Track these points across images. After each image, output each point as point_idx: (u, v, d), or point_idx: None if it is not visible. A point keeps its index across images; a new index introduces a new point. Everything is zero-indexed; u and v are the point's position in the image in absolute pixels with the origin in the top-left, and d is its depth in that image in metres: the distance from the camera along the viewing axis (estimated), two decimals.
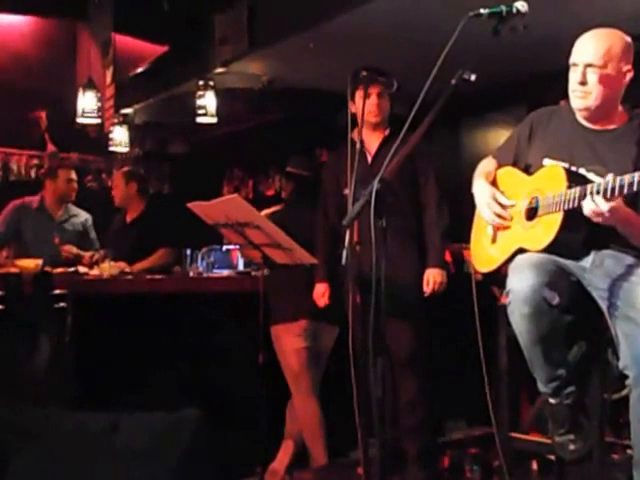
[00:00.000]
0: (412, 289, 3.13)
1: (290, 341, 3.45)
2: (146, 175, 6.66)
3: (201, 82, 5.11)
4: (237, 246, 4.50)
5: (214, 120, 5.19)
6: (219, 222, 2.95)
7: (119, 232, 4.56)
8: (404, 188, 3.14)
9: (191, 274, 4.24)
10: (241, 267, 4.68)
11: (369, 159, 3.22)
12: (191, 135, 6.75)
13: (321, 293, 3.30)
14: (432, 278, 3.13)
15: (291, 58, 4.92)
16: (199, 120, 5.22)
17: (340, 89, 3.19)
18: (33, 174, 6.31)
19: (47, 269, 3.71)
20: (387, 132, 3.23)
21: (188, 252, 4.73)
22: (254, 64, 5.04)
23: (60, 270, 3.86)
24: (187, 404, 1.81)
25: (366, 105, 3.08)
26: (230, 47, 4.89)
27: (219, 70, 5.06)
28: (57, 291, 3.43)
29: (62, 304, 3.39)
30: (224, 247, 5.01)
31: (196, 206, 2.95)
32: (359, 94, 3.12)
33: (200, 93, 5.13)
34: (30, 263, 3.90)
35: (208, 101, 5.13)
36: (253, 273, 4.09)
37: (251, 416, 2.96)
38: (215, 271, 4.49)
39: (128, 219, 4.56)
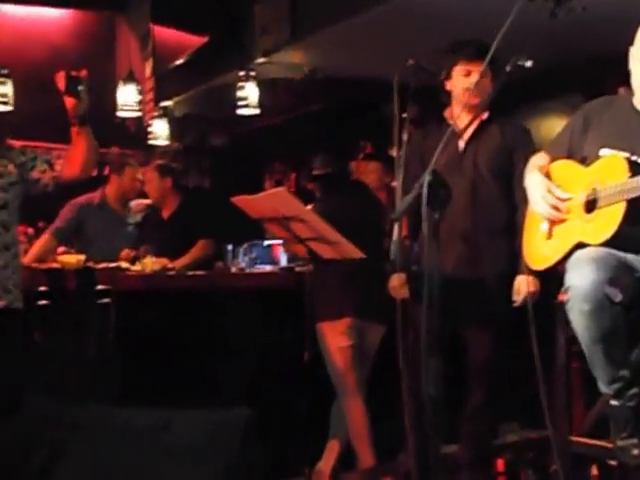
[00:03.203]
0: (499, 294, 2.90)
1: (334, 339, 3.45)
2: (186, 169, 6.75)
3: (242, 73, 5.13)
4: (280, 241, 4.55)
5: (256, 111, 5.22)
6: (264, 216, 2.97)
7: (155, 229, 4.59)
8: (496, 181, 2.95)
9: (233, 270, 4.28)
10: (283, 263, 4.70)
11: (461, 145, 2.98)
12: (231, 127, 6.78)
13: (399, 284, 3.02)
14: (524, 287, 2.82)
15: (334, 47, 4.91)
16: (240, 112, 5.24)
17: (384, 78, 3.11)
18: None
19: (90, 264, 3.76)
20: (485, 116, 2.99)
21: (229, 247, 4.78)
22: (296, 54, 5.04)
23: (102, 265, 3.91)
24: (231, 402, 1.82)
25: (465, 84, 2.91)
26: (271, 37, 4.90)
27: (260, 60, 5.08)
28: (100, 287, 3.49)
29: (105, 300, 3.45)
30: (266, 242, 5.05)
31: (241, 200, 2.97)
32: (458, 70, 2.95)
33: (241, 84, 5.15)
34: (72, 259, 3.96)
35: (249, 92, 5.14)
36: (297, 269, 4.10)
37: (297, 415, 2.96)
38: (258, 267, 4.53)
39: (164, 215, 4.58)
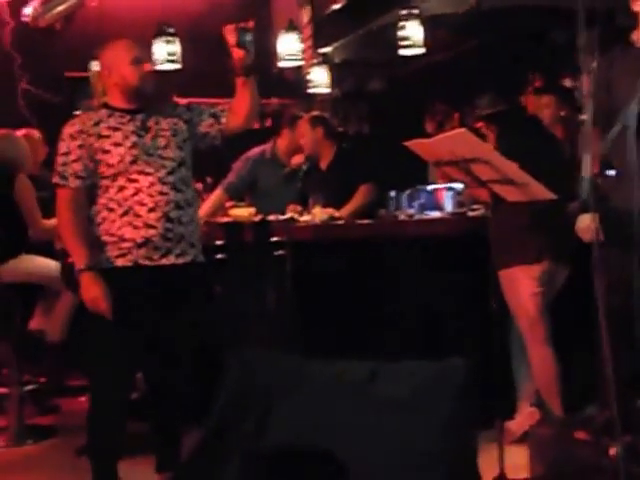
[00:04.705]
0: None
1: (528, 285, 3.33)
2: (345, 116, 6.71)
3: (404, 12, 4.99)
4: (445, 185, 4.44)
5: (420, 51, 5.10)
6: (442, 159, 2.88)
7: (316, 180, 4.59)
8: None
9: (402, 217, 4.20)
10: (449, 208, 4.58)
11: None
12: (390, 70, 6.65)
13: (591, 225, 2.66)
14: None
15: None
16: (402, 53, 5.14)
17: (553, 3, 2.89)
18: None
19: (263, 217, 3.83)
20: None
21: (392, 194, 4.71)
22: None
23: (273, 217, 3.97)
24: (410, 355, 1.79)
25: None
26: None
27: None
28: (274, 238, 3.56)
29: (280, 251, 3.50)
30: (429, 187, 4.93)
31: (416, 144, 2.89)
32: None
33: (402, 23, 5.03)
34: (244, 212, 4.07)
35: (412, 31, 5.01)
36: (470, 214, 3.98)
37: (482, 368, 2.89)
38: (425, 213, 4.44)
39: (322, 166, 4.58)
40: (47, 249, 4.02)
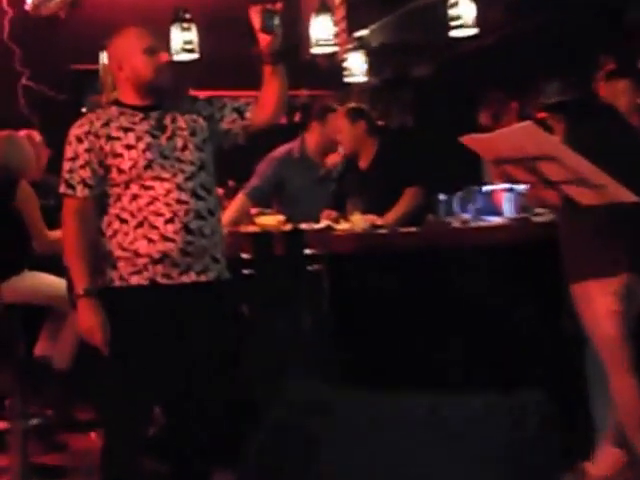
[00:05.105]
0: None
1: (605, 301, 3.23)
2: (386, 108, 6.65)
3: None
4: (503, 186, 4.35)
5: (472, 32, 5.07)
6: (501, 157, 2.84)
7: (355, 182, 4.54)
8: None
9: (455, 224, 4.13)
10: (509, 212, 4.50)
11: None
12: (437, 55, 6.60)
13: None
14: None
15: None
16: (453, 34, 5.09)
17: None
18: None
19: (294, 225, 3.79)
20: None
21: (442, 197, 4.63)
22: None
23: (306, 226, 3.92)
24: (472, 385, 1.72)
25: None
26: None
27: None
28: (308, 251, 3.52)
29: (315, 266, 3.47)
30: (485, 188, 4.85)
31: (473, 139, 2.85)
32: None
33: (453, 1, 4.99)
34: (272, 220, 4.04)
35: (464, 9, 4.97)
36: (535, 219, 3.90)
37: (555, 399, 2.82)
38: (482, 218, 4.36)
39: (362, 165, 4.53)
40: (53, 265, 4.01)
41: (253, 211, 4.62)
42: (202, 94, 3.11)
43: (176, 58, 5.26)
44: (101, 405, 3.12)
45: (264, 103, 2.95)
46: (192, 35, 5.31)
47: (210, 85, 5.67)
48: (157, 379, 2.85)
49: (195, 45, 5.33)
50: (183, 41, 5.30)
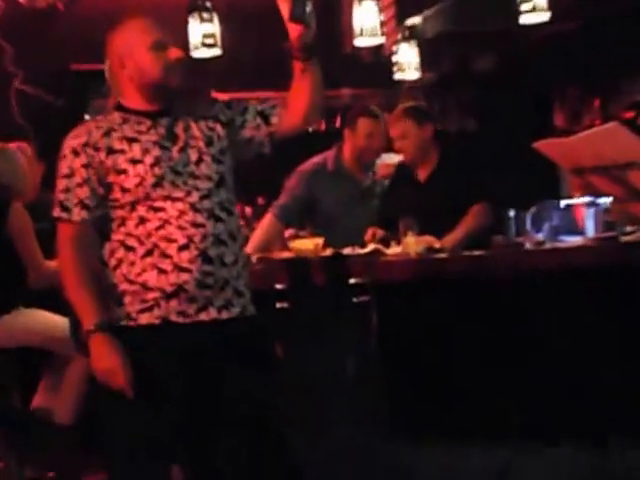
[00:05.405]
0: None
1: None
2: (443, 108, 6.65)
3: None
4: (584, 200, 4.31)
5: (545, 17, 5.02)
6: (582, 165, 2.77)
7: (408, 199, 4.52)
8: None
9: (527, 246, 4.11)
10: (592, 231, 4.47)
11: None
12: (502, 46, 6.61)
13: None
14: None
15: None
16: (524, 20, 5.06)
17: None
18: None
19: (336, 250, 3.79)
20: None
21: (511, 214, 4.61)
22: None
23: (349, 250, 3.92)
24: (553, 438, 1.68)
25: None
26: None
27: None
28: (353, 280, 3.53)
29: (363, 297, 3.47)
30: (563, 203, 4.83)
31: (548, 145, 2.79)
32: None
33: None
34: (309, 244, 4.05)
35: None
36: (623, 238, 3.85)
37: None
38: (560, 238, 4.33)
39: (421, 177, 4.54)
40: (52, 300, 4.03)
41: (287, 233, 4.62)
42: (224, 96, 3.10)
43: (194, 54, 5.29)
44: (109, 464, 3.11)
45: (294, 105, 2.96)
46: (213, 27, 5.31)
47: (234, 86, 5.71)
48: (173, 434, 2.85)
49: (217, 39, 5.35)
50: (202, 34, 5.31)
